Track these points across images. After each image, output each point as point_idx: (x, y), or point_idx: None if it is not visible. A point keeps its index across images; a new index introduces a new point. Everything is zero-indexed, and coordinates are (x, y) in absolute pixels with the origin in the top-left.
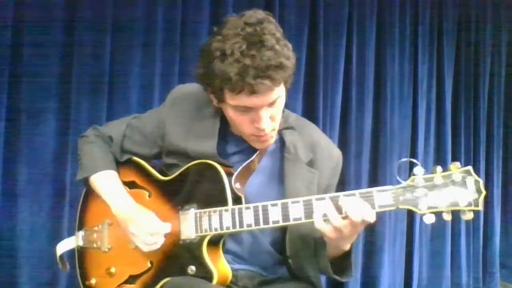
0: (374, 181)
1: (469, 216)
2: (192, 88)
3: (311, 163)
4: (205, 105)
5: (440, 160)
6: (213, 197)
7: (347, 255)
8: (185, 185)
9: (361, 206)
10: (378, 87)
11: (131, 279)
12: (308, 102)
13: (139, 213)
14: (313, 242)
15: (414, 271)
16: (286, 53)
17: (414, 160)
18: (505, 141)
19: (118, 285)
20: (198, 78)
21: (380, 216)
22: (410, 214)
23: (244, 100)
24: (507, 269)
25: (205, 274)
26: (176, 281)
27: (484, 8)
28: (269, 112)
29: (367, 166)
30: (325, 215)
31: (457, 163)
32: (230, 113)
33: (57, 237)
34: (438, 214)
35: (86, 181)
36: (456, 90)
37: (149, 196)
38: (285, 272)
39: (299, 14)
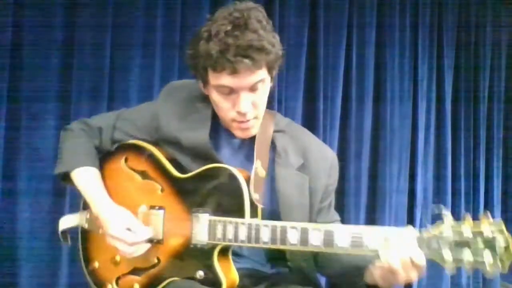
0: (374, 181)
1: (494, 276)
2: (184, 82)
3: (301, 168)
4: (197, 99)
5: (440, 160)
6: (230, 206)
7: None
8: (201, 187)
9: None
10: (378, 87)
11: (136, 271)
12: (308, 102)
13: (116, 219)
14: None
15: None
16: (270, 39)
17: (442, 207)
18: (505, 141)
19: (122, 275)
20: (187, 60)
21: (380, 217)
22: (410, 215)
23: (225, 79)
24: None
25: (214, 281)
26: (181, 285)
27: (484, 8)
28: (250, 97)
29: (367, 166)
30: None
31: (489, 215)
32: (213, 96)
33: (57, 237)
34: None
35: (63, 176)
36: (456, 90)
37: (162, 191)
38: (285, 268)
39: (299, 14)
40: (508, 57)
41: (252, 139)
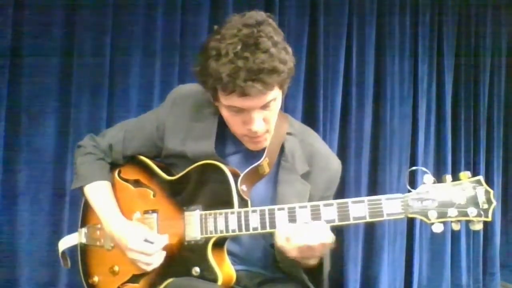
0: (374, 181)
1: (478, 226)
2: (192, 88)
3: (306, 176)
4: (205, 105)
5: (440, 160)
6: (219, 199)
7: (319, 268)
8: (190, 185)
9: (318, 229)
10: (378, 87)
11: (134, 278)
12: (308, 102)
13: (132, 233)
14: None
15: (414, 271)
16: (282, 57)
17: (424, 169)
18: (505, 141)
19: (121, 284)
20: (195, 75)
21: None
22: None
23: (236, 101)
24: (508, 269)
25: (210, 276)
26: (179, 282)
27: (484, 8)
28: (262, 114)
29: (367, 166)
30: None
31: (467, 173)
32: (224, 113)
33: (57, 237)
34: (447, 223)
35: (81, 190)
36: (456, 90)
37: (154, 196)
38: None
39: (299, 14)
40: (508, 56)
41: None
